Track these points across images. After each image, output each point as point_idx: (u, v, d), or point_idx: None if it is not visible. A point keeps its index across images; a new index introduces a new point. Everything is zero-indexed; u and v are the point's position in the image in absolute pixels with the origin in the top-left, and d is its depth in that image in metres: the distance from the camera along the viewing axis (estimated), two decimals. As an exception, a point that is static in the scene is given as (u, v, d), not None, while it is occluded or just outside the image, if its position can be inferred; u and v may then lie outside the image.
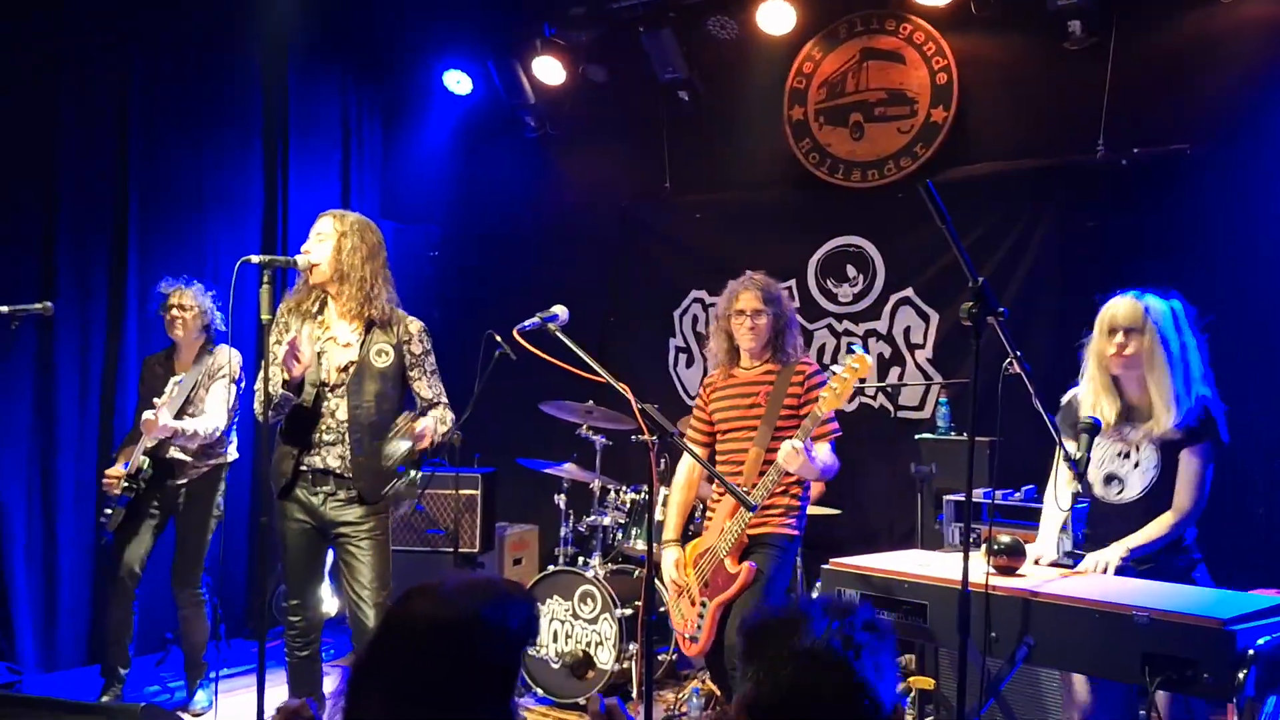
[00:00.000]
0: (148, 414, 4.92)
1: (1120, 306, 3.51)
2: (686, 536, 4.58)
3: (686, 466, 4.55)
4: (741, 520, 4.14)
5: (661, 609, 5.46)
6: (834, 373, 3.96)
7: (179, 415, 5.06)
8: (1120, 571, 3.38)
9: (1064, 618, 2.94)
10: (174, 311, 5.17)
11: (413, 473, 4.14)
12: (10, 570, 5.59)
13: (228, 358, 5.20)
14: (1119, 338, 3.48)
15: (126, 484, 5.01)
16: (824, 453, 4.18)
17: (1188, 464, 3.43)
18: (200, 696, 5.27)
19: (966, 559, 2.82)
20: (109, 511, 5.04)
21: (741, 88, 7.06)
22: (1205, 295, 5.30)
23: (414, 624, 1.84)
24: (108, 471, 5.10)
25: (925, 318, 6.40)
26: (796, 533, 4.30)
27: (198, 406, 5.15)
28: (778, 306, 4.38)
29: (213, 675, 5.21)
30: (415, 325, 4.27)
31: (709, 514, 4.46)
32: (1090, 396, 3.57)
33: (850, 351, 3.98)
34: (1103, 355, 3.53)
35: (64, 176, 5.89)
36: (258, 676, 3.63)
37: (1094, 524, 3.63)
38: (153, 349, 5.53)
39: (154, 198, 6.30)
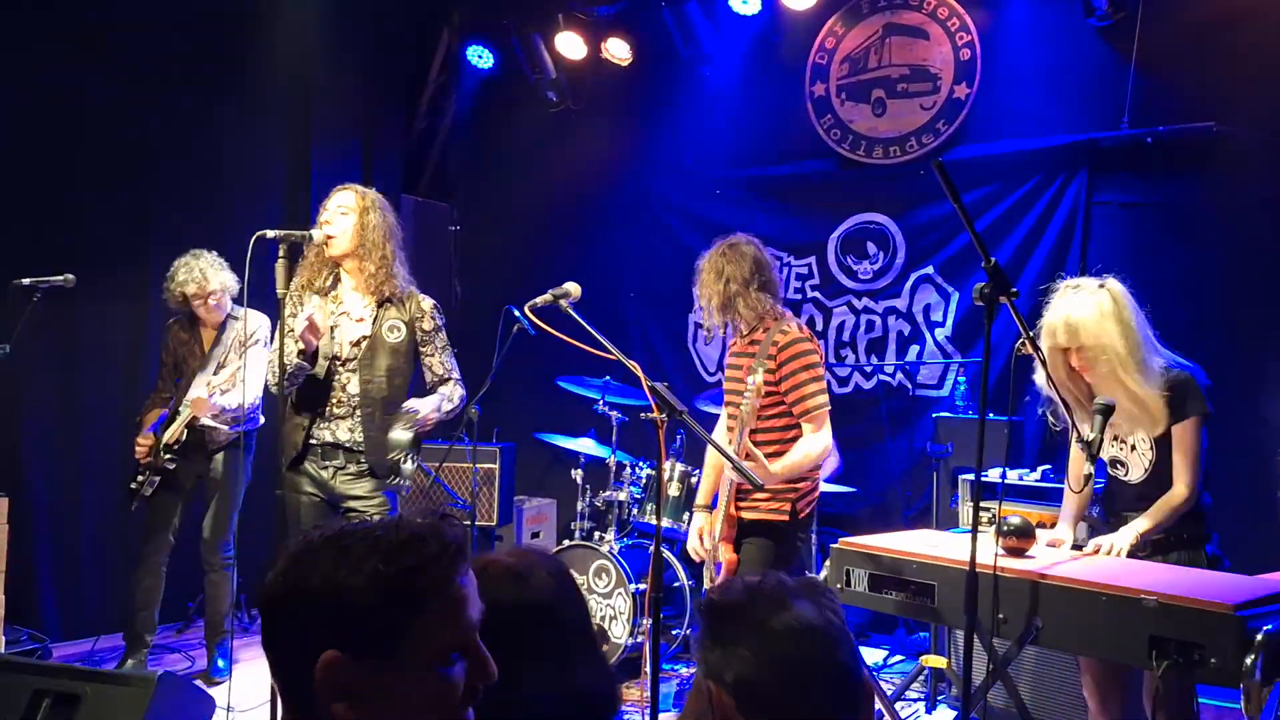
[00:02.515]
0: (197, 394, 4.97)
1: (1057, 324, 3.41)
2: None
3: (722, 430, 4.40)
4: (722, 509, 4.04)
5: (676, 584, 5.49)
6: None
7: (215, 378, 5.13)
8: (1132, 552, 3.38)
9: (1072, 600, 2.92)
10: (209, 302, 5.18)
11: (408, 464, 4.13)
12: (34, 539, 5.66)
13: (258, 323, 5.21)
14: (1072, 356, 3.42)
15: (168, 456, 5.07)
16: (794, 454, 3.93)
17: (1179, 440, 3.39)
18: (220, 665, 5.32)
19: (975, 539, 2.81)
20: (140, 479, 5.09)
21: (764, 63, 7.02)
22: (1228, 275, 5.31)
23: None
24: (139, 439, 5.13)
25: (945, 295, 6.36)
26: (787, 518, 4.01)
27: (231, 374, 5.19)
28: (710, 283, 4.15)
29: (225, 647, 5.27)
30: (427, 303, 4.28)
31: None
32: (1061, 397, 3.54)
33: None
34: (1058, 365, 3.45)
35: (87, 149, 5.92)
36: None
37: (1108, 500, 3.65)
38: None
39: (176, 170, 6.33)
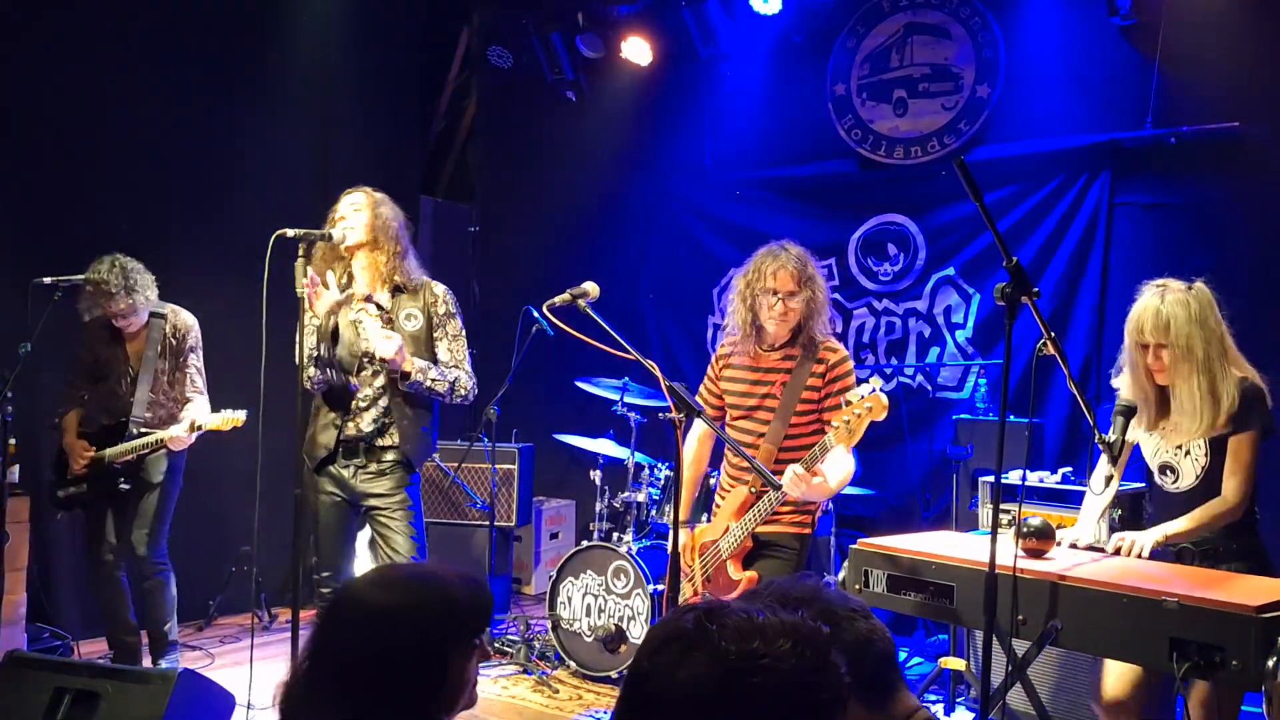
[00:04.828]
0: (177, 433, 4.82)
1: (1146, 319, 3.39)
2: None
3: (696, 441, 4.17)
4: (746, 525, 3.81)
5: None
6: (849, 402, 3.61)
7: (154, 391, 4.97)
8: (1177, 555, 3.37)
9: (1092, 601, 2.90)
10: (119, 323, 4.92)
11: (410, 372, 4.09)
12: (55, 537, 5.68)
13: (188, 325, 5.05)
14: (1150, 354, 3.41)
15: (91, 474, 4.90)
16: (837, 471, 3.75)
17: (1233, 452, 3.36)
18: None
19: (994, 541, 2.79)
20: (74, 489, 4.93)
21: (784, 63, 7.00)
22: (1252, 276, 5.26)
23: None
24: (80, 451, 4.94)
25: (966, 297, 6.34)
26: (808, 531, 3.92)
27: (180, 386, 5.03)
28: (812, 289, 3.89)
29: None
30: (440, 288, 4.31)
31: (718, 498, 4.11)
32: (1129, 391, 3.52)
33: (866, 382, 3.65)
34: (1138, 363, 3.47)
35: (108, 148, 5.96)
36: (292, 646, 3.68)
37: (1154, 509, 3.61)
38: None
39: (196, 170, 6.36)
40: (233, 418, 4.84)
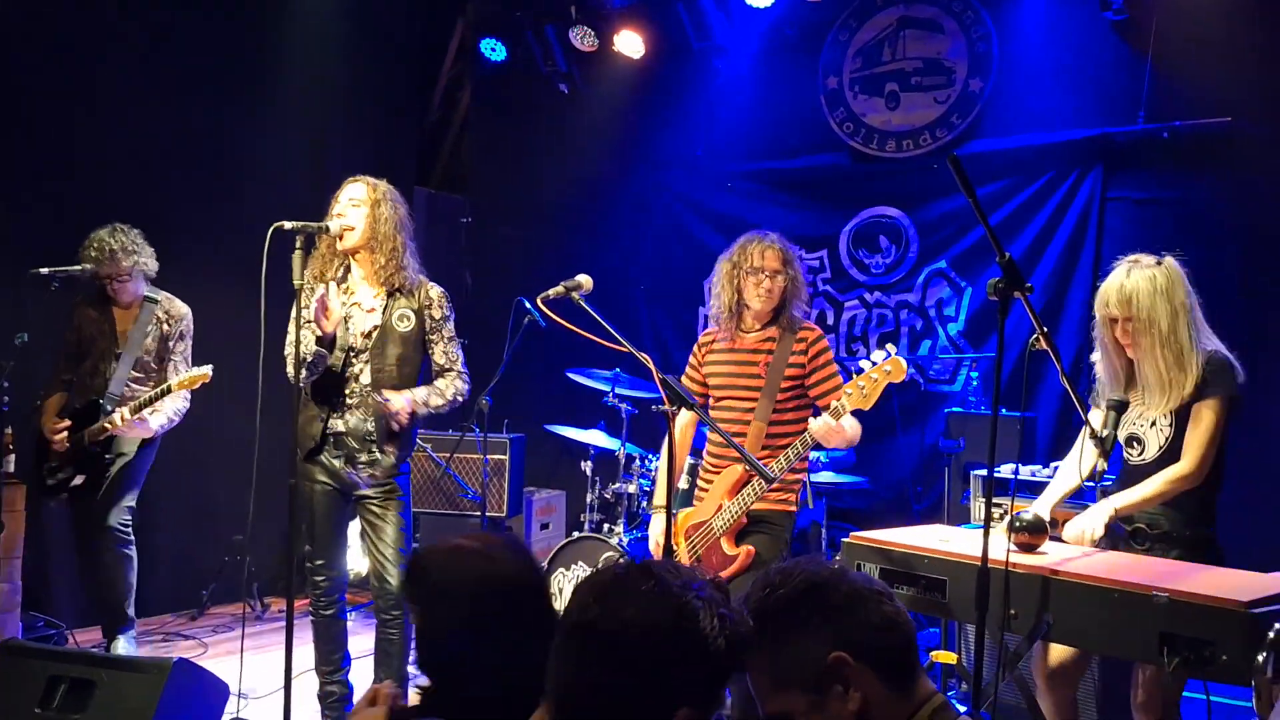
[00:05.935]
0: (124, 418, 4.78)
1: (1111, 293, 3.46)
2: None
3: (679, 428, 4.20)
4: (743, 501, 3.93)
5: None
6: (860, 370, 3.73)
7: (136, 369, 4.99)
8: (1131, 535, 3.41)
9: (1083, 596, 2.91)
10: (116, 283, 4.94)
11: (379, 455, 4.15)
12: (50, 526, 5.67)
13: (181, 313, 5.07)
14: (1118, 328, 3.47)
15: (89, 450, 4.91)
16: (853, 423, 3.91)
17: (1195, 418, 3.38)
18: (121, 645, 5.08)
19: (987, 535, 2.81)
20: (62, 475, 4.94)
21: (776, 56, 7.01)
22: (1243, 271, 5.29)
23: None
24: (55, 431, 4.94)
25: (958, 290, 6.36)
26: (794, 508, 4.08)
27: (164, 369, 5.04)
28: (794, 270, 4.11)
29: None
30: (436, 291, 4.30)
31: (703, 481, 4.21)
32: (1103, 370, 3.58)
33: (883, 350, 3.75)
34: (1105, 338, 3.54)
35: (106, 140, 5.96)
36: (286, 634, 3.68)
37: (1121, 486, 3.62)
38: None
39: (192, 163, 6.35)
40: (199, 374, 4.82)
